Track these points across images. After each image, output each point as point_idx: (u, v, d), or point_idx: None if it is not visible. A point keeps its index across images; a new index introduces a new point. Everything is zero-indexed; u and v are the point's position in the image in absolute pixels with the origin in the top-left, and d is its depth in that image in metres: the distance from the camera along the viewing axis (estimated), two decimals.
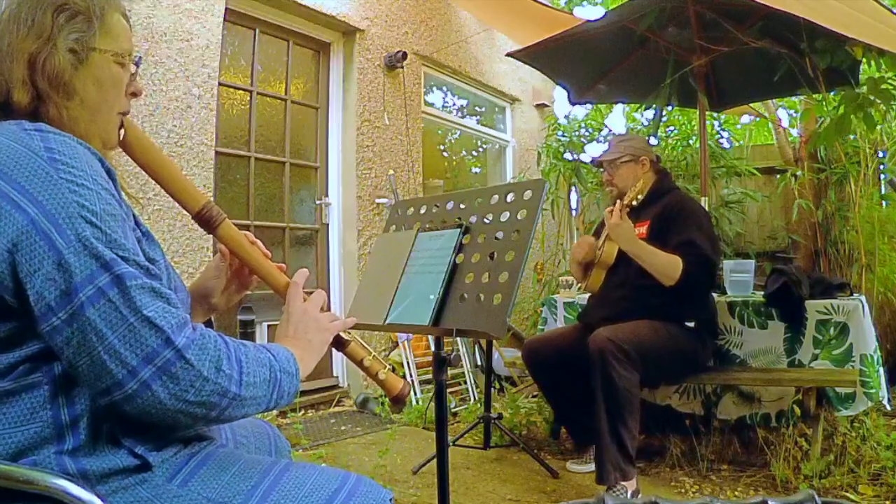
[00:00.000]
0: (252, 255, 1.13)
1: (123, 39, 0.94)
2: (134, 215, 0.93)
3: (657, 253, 2.50)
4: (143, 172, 1.06)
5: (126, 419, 0.80)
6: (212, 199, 1.12)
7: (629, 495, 2.23)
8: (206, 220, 1.09)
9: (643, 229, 2.64)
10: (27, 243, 0.75)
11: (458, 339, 4.27)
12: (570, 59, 3.90)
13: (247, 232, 1.16)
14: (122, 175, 0.94)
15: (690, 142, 4.90)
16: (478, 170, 6.56)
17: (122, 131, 0.98)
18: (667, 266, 2.48)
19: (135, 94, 0.98)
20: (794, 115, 5.48)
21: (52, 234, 0.76)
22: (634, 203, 2.51)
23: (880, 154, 4.25)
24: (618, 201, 2.55)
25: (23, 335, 0.79)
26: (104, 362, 0.75)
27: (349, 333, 1.14)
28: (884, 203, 4.31)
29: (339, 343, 1.12)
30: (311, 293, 1.10)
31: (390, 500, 0.97)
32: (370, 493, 0.94)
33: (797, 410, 2.57)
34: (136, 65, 0.97)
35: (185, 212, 1.09)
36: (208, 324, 1.22)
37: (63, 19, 0.87)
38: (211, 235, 1.16)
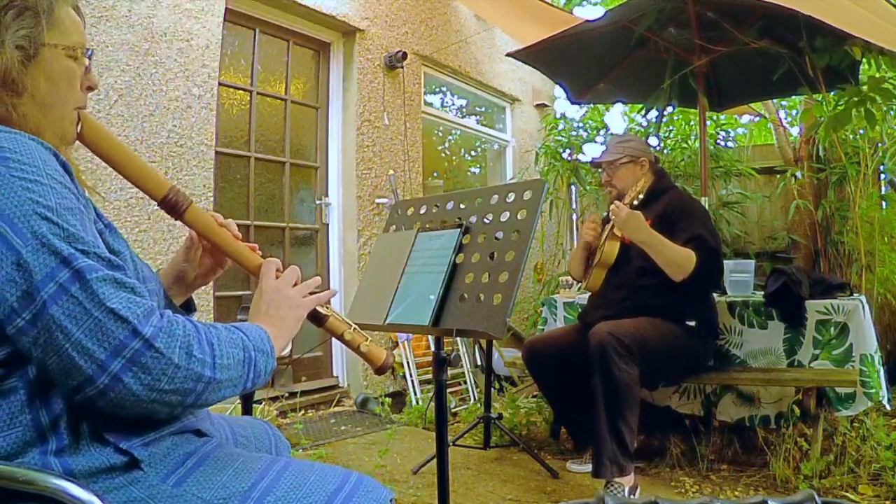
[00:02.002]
0: (222, 237, 1.11)
1: (74, 33, 0.93)
2: (95, 208, 0.92)
3: (672, 244, 2.45)
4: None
5: (106, 415, 0.80)
6: (176, 187, 1.09)
7: (626, 491, 2.23)
8: (172, 206, 1.08)
9: None
10: None
11: (458, 339, 4.27)
12: (570, 59, 3.90)
13: (215, 213, 1.14)
14: (87, 172, 0.92)
15: (689, 142, 4.89)
16: (477, 170, 6.56)
17: (80, 125, 0.97)
18: (681, 257, 2.43)
19: (90, 88, 0.97)
20: (795, 115, 5.47)
21: (7, 235, 0.75)
22: (635, 202, 2.51)
23: (880, 153, 4.25)
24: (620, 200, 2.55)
25: None
26: (73, 359, 0.74)
27: (327, 308, 1.12)
28: (884, 203, 4.30)
29: (316, 319, 1.10)
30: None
31: (391, 500, 0.96)
32: (370, 493, 0.93)
33: (797, 410, 2.57)
34: (89, 58, 0.96)
35: None
36: (189, 303, 1.22)
37: (10, 17, 0.86)
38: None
